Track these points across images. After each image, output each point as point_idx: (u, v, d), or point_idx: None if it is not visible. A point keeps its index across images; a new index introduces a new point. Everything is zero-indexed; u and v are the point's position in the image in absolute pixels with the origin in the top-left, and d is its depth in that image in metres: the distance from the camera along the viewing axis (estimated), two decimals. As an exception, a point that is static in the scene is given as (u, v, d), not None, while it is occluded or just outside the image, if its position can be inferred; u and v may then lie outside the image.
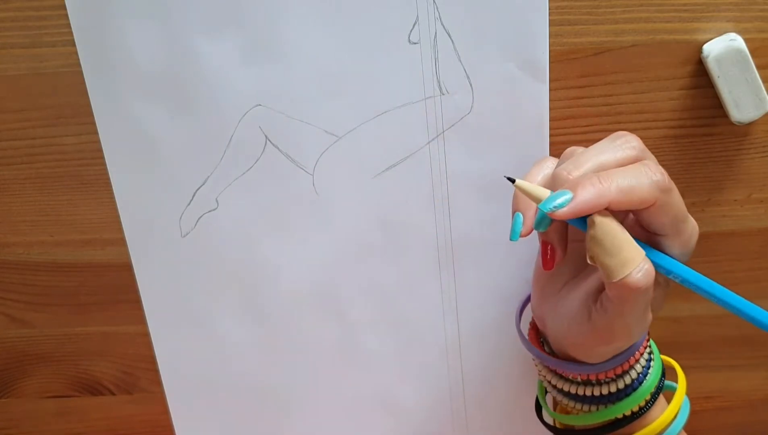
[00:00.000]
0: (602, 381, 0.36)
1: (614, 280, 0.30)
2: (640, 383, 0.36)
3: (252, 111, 0.40)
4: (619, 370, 0.36)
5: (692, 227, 0.33)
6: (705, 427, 0.50)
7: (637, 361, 0.36)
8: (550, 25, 0.39)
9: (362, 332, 0.45)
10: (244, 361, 0.46)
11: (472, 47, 0.38)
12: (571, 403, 0.38)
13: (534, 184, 0.32)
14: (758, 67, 0.38)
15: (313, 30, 0.38)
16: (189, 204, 0.42)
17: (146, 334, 0.46)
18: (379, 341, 0.46)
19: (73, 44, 0.39)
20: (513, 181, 0.31)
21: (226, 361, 0.46)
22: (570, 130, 0.41)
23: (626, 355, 0.35)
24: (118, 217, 0.43)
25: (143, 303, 0.45)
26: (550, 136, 0.41)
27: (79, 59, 0.39)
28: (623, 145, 0.32)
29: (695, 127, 0.41)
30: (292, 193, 0.42)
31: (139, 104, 0.40)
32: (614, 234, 0.30)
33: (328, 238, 0.43)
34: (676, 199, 0.32)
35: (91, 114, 0.40)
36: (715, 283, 0.32)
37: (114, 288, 0.46)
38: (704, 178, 0.42)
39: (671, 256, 0.33)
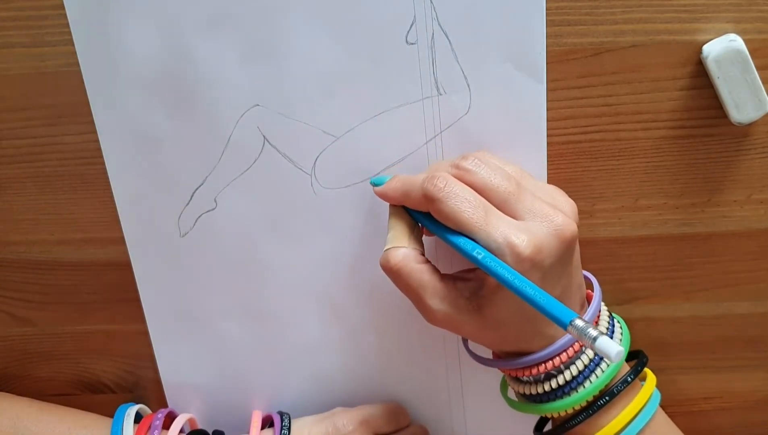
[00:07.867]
0: (542, 377, 0.38)
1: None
2: (586, 377, 0.37)
3: (250, 111, 0.40)
4: (549, 365, 0.37)
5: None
6: (704, 427, 0.50)
7: (569, 358, 0.37)
8: (549, 26, 0.39)
9: (361, 332, 0.45)
10: (243, 360, 0.46)
11: (470, 47, 0.38)
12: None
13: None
14: (758, 68, 0.38)
15: (311, 30, 0.38)
16: (188, 204, 0.42)
17: (147, 333, 0.46)
18: (379, 342, 0.46)
19: (74, 43, 0.39)
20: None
21: (225, 360, 0.46)
22: (569, 130, 0.41)
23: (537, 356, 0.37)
24: (119, 216, 0.43)
25: (142, 302, 0.45)
26: (550, 136, 0.41)
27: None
28: (462, 161, 0.36)
29: (695, 128, 0.41)
30: (290, 193, 0.42)
31: (138, 104, 0.40)
32: (392, 218, 0.38)
33: (327, 237, 0.43)
34: (446, 209, 0.34)
35: (92, 113, 0.41)
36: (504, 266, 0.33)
37: (115, 286, 0.46)
38: (704, 178, 0.42)
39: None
